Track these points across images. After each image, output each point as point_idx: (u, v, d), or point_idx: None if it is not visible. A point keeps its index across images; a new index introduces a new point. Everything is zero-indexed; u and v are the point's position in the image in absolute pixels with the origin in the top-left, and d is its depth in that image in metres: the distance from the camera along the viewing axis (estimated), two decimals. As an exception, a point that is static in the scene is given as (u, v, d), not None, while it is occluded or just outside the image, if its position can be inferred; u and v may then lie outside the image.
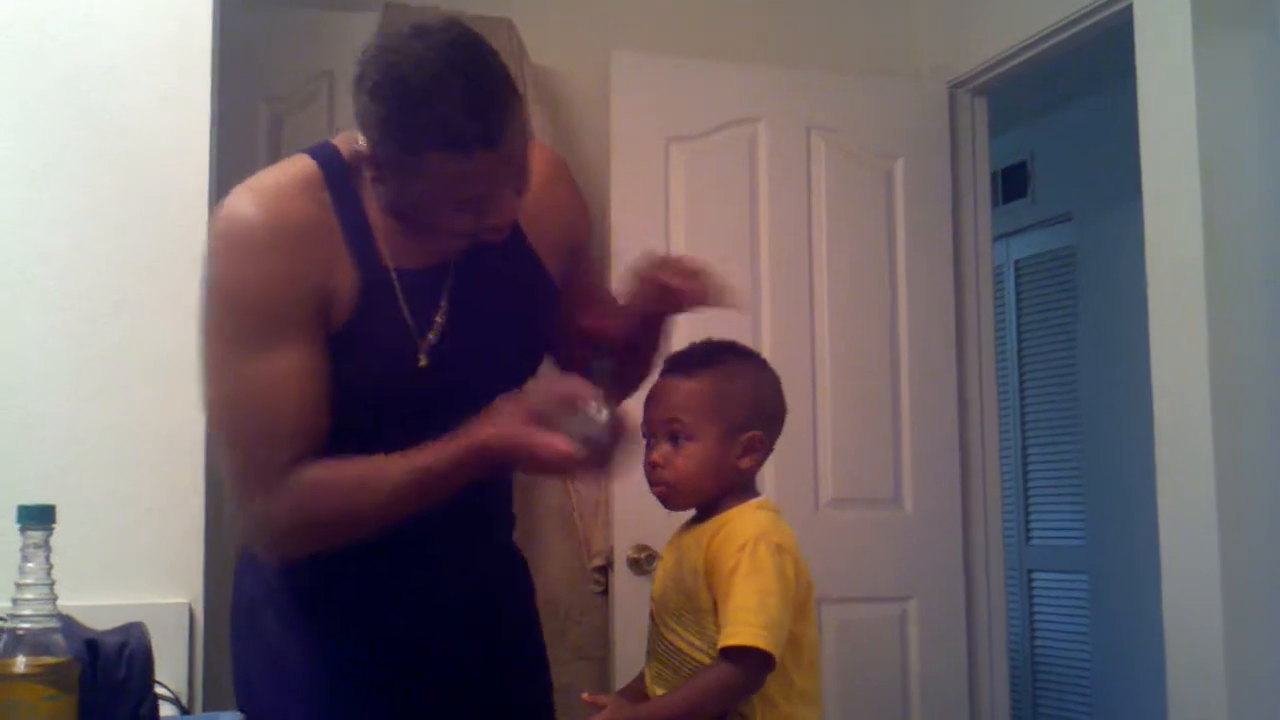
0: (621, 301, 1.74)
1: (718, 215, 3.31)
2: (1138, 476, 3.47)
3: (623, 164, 3.24)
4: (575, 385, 1.52)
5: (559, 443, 1.45)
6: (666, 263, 1.66)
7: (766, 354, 1.77)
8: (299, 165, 1.60)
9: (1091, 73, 4.18)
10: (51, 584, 1.20)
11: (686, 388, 1.66)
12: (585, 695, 1.63)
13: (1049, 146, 5.13)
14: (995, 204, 3.86)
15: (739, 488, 1.69)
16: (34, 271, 2.17)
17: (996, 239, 3.88)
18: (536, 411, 1.48)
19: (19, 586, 1.19)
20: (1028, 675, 5.19)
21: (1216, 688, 2.56)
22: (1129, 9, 2.90)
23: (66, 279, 2.18)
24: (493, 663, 1.73)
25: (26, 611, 1.18)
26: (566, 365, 1.82)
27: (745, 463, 1.67)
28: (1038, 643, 5.25)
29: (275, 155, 3.13)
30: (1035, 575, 5.30)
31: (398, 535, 1.57)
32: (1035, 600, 5.29)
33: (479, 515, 1.72)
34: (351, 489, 1.53)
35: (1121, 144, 3.18)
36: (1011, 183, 5.21)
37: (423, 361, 1.60)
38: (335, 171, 1.59)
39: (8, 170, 2.18)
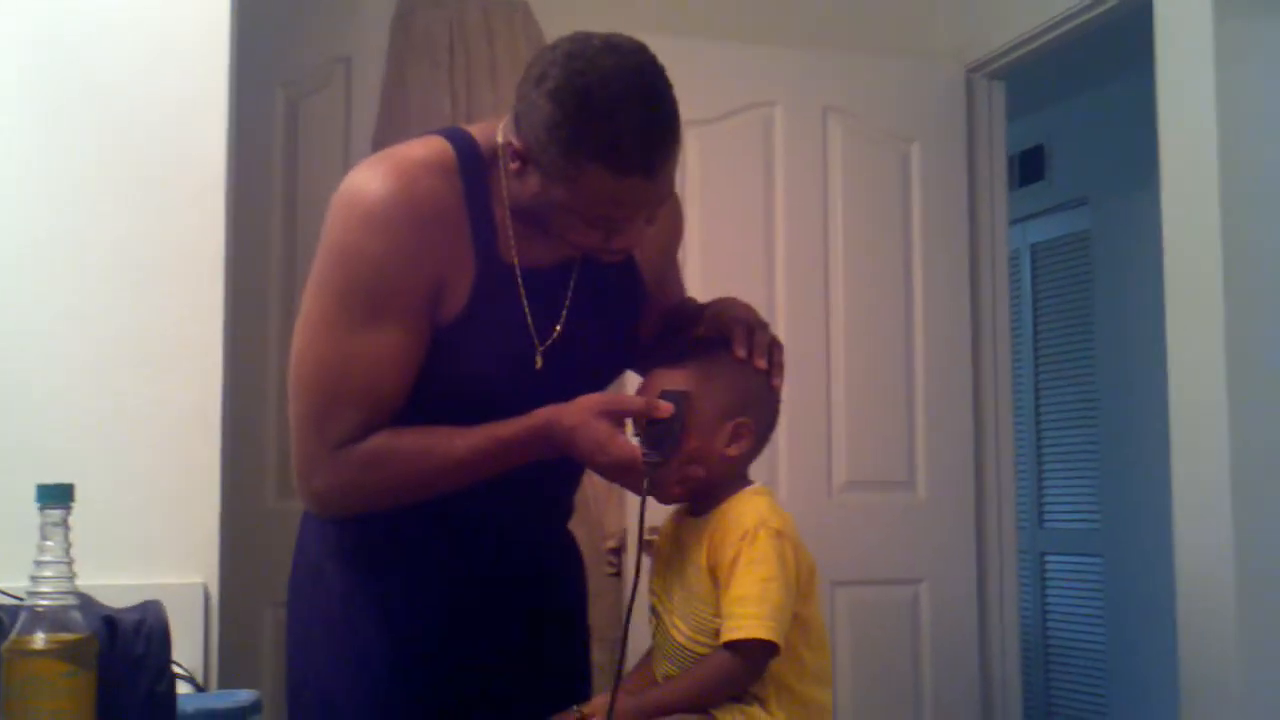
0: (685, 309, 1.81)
1: (734, 199, 3.31)
2: (1152, 460, 3.47)
3: (638, 147, 3.23)
4: (656, 402, 1.55)
5: (631, 447, 1.51)
6: (754, 344, 1.65)
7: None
8: (435, 147, 1.58)
9: (1110, 57, 4.15)
10: (70, 562, 1.21)
11: (668, 378, 1.65)
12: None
13: (1066, 130, 5.10)
14: (1011, 188, 3.86)
15: (732, 478, 1.68)
16: (53, 255, 2.19)
17: (1013, 223, 3.87)
18: (613, 410, 1.53)
19: (38, 564, 1.20)
20: (1040, 658, 5.20)
21: (1230, 671, 2.56)
22: (1148, -8, 2.89)
23: (85, 263, 2.20)
24: (540, 637, 1.74)
25: (45, 589, 1.20)
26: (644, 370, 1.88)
27: (733, 450, 1.65)
28: (1051, 625, 5.25)
29: (291, 140, 3.16)
30: (1049, 558, 5.30)
31: (465, 508, 1.60)
32: (1049, 583, 5.29)
33: (547, 498, 1.75)
34: (414, 456, 1.55)
35: (1139, 128, 3.16)
36: (1028, 167, 5.19)
37: (539, 362, 1.61)
38: (469, 160, 1.58)
39: (28, 156, 2.19)
